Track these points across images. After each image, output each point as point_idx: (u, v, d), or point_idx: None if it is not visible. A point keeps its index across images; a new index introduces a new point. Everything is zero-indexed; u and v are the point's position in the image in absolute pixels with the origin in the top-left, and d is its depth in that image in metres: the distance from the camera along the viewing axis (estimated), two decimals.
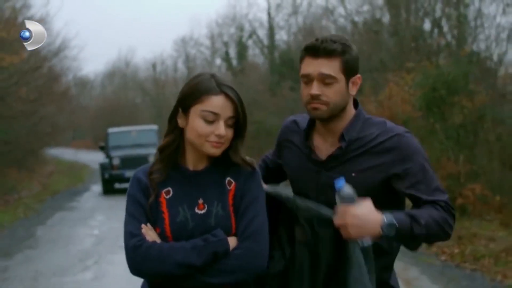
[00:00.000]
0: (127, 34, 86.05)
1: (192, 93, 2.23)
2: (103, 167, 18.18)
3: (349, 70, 2.40)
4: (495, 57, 14.23)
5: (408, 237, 2.26)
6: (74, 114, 33.94)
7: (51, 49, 20.93)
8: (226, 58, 34.61)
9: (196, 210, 2.24)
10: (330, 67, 2.37)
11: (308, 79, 2.39)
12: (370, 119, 2.50)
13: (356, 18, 20.31)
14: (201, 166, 2.30)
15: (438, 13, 17.07)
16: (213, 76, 2.25)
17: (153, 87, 45.39)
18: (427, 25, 17.61)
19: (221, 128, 2.19)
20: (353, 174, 2.40)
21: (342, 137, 2.44)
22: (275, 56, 27.84)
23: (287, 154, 2.60)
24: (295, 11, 28.86)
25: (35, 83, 17.12)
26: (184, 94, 2.25)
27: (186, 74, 41.06)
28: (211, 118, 2.20)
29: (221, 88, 2.21)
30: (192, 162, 2.30)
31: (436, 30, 17.18)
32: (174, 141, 2.27)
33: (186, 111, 2.24)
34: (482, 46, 15.22)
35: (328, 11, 21.04)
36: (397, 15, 18.12)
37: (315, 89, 2.37)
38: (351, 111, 2.48)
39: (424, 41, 16.78)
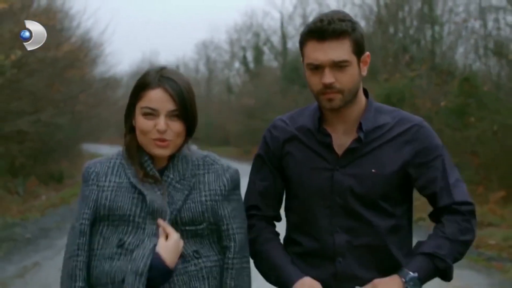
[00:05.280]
0: (149, 37, 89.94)
1: (133, 91, 2.10)
2: None
3: (359, 49, 2.14)
4: (460, 69, 17.68)
5: (438, 275, 2.16)
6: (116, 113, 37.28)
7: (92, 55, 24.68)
8: (244, 62, 37.31)
9: None
10: (341, 50, 2.09)
11: (318, 67, 2.11)
12: (381, 107, 2.25)
13: None
14: (163, 163, 2.13)
15: (416, 31, 20.40)
16: (161, 69, 2.09)
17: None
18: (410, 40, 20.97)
19: (161, 123, 2.02)
20: (373, 171, 2.16)
21: (359, 127, 2.17)
22: (287, 62, 30.23)
23: (291, 159, 2.26)
24: (304, 22, 30.71)
25: (92, 91, 21.43)
26: (130, 93, 2.11)
27: (207, 75, 44.44)
28: (151, 113, 2.04)
29: (159, 82, 2.05)
30: (155, 160, 2.12)
31: (414, 46, 20.63)
32: (132, 140, 2.12)
33: (133, 111, 2.10)
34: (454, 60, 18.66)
35: None
36: (385, 31, 21.16)
37: (328, 77, 2.09)
38: (361, 95, 2.22)
39: (402, 56, 19.74)
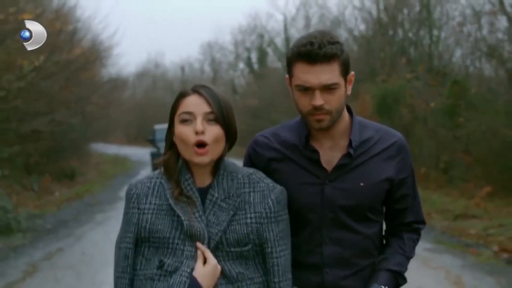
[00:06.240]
0: (153, 37, 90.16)
1: (172, 106, 2.13)
2: (153, 155, 23.08)
3: (346, 70, 2.18)
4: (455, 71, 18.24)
5: None
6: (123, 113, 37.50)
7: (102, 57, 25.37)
8: (248, 63, 37.81)
9: None
10: (331, 73, 2.13)
11: (308, 89, 2.14)
12: (364, 121, 2.33)
13: (356, 33, 23.83)
14: (207, 181, 2.13)
15: (415, 33, 20.86)
16: (195, 85, 2.14)
17: (181, 88, 47.46)
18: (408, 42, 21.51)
19: (198, 123, 2.04)
20: (361, 184, 2.23)
21: (349, 144, 2.24)
22: None
23: (279, 175, 2.27)
24: (307, 24, 31.21)
25: (102, 92, 22.26)
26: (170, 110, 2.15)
27: (212, 75, 44.51)
28: (188, 118, 2.07)
29: (194, 89, 2.11)
30: (197, 178, 2.13)
31: (412, 48, 21.18)
32: (170, 157, 2.14)
33: (172, 124, 2.12)
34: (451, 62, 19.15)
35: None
36: (385, 33, 21.63)
37: (318, 99, 2.13)
38: (345, 112, 2.27)
39: (400, 58, 20.19)
